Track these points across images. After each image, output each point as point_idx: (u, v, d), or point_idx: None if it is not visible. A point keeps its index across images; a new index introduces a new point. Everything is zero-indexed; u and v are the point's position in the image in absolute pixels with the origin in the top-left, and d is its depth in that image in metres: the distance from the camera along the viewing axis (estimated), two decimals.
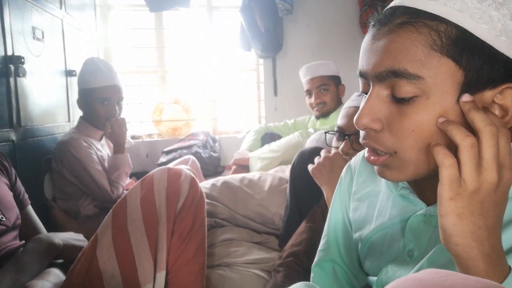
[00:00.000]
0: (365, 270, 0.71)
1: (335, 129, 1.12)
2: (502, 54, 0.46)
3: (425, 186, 0.58)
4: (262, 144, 2.27)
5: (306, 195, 1.33)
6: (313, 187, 1.31)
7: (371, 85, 0.52)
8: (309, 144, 1.65)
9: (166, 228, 0.90)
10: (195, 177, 1.02)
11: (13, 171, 1.05)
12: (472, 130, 0.45)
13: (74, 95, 2.08)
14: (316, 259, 0.80)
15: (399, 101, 0.49)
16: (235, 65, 3.09)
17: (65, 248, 0.94)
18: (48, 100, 1.85)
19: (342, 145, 1.09)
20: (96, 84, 1.79)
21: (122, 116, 1.89)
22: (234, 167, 2.16)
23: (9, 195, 0.96)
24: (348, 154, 1.09)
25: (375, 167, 0.55)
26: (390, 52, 0.48)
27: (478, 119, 0.44)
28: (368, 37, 0.53)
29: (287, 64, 2.93)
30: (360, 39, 2.91)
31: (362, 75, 0.54)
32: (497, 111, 0.48)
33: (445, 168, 0.44)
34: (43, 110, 1.78)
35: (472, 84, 0.47)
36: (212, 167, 2.60)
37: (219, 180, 1.57)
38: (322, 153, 1.05)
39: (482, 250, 0.44)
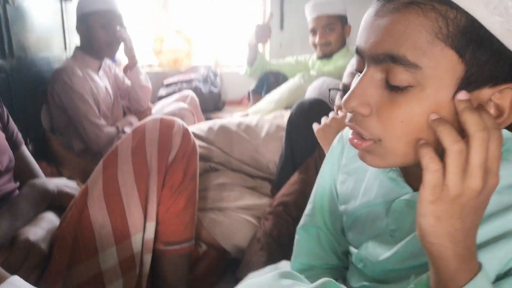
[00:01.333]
0: (347, 240, 0.73)
1: (340, 86, 1.08)
2: (509, 51, 0.42)
3: (413, 171, 0.57)
4: (266, 84, 2.22)
5: (301, 146, 1.33)
6: (308, 139, 1.31)
7: (366, 65, 0.48)
8: (310, 91, 1.61)
9: (156, 180, 0.91)
10: (188, 129, 1.00)
11: (5, 110, 1.03)
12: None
13: (70, 22, 1.99)
14: (301, 222, 0.82)
15: (393, 88, 0.46)
16: None
17: (59, 195, 0.95)
18: (42, 27, 1.77)
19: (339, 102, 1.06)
20: (96, 7, 1.70)
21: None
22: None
23: (1, 137, 0.96)
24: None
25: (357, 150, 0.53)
26: (391, 33, 0.44)
27: (471, 122, 0.41)
28: (370, 11, 0.48)
29: None
30: None
31: (359, 52, 0.49)
32: (492, 110, 0.45)
33: (430, 173, 0.42)
34: (37, 38, 1.71)
35: (472, 80, 0.43)
36: (212, 102, 2.57)
37: (216, 123, 1.56)
38: (331, 114, 1.01)
39: (456, 251, 0.44)
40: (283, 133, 1.45)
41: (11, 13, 1.47)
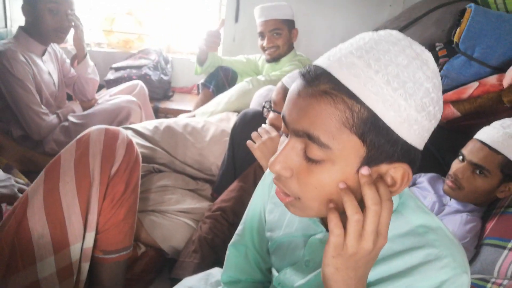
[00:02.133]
0: (271, 262, 0.82)
1: (271, 103, 1.18)
2: (401, 138, 0.52)
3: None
4: (215, 79, 2.25)
5: (242, 155, 1.40)
6: (249, 149, 1.39)
7: (289, 134, 0.57)
8: (256, 98, 1.68)
9: (98, 191, 0.94)
10: (131, 140, 1.03)
11: None
12: None
13: None
14: (232, 240, 0.90)
15: (309, 159, 0.54)
16: None
17: None
18: None
19: (270, 116, 1.17)
20: None
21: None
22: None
23: None
24: (275, 126, 1.17)
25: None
26: (308, 115, 0.52)
27: (368, 196, 0.51)
28: (294, 88, 0.56)
29: None
30: None
31: (284, 121, 0.57)
32: (389, 179, 0.55)
33: (334, 236, 0.52)
34: None
35: (373, 158, 0.53)
36: (161, 90, 2.56)
37: (162, 123, 1.59)
38: (262, 133, 1.09)
39: None
40: (228, 138, 1.52)
41: None
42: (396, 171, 0.55)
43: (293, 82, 1.17)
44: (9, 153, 1.69)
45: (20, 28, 1.72)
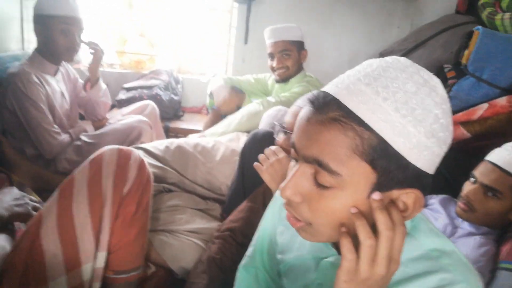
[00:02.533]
0: (282, 284, 0.82)
1: (283, 124, 1.18)
2: (411, 164, 0.52)
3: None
4: None
5: (252, 175, 1.40)
6: None
7: (299, 160, 0.57)
8: (265, 118, 1.70)
9: (110, 211, 0.95)
10: (143, 160, 1.05)
11: None
12: None
13: (29, 19, 1.94)
14: (243, 262, 0.90)
15: (319, 185, 0.55)
16: (209, 3, 2.93)
17: (10, 218, 0.97)
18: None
19: (281, 136, 1.17)
20: (59, 11, 1.67)
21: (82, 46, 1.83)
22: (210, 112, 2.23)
23: None
24: (284, 148, 1.17)
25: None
26: (318, 142, 0.53)
27: (381, 221, 0.51)
28: (303, 115, 0.57)
29: (262, 12, 2.83)
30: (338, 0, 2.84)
31: (294, 147, 0.58)
32: (401, 205, 0.55)
33: (347, 261, 0.52)
34: None
35: (383, 184, 0.53)
36: (172, 110, 2.59)
37: (173, 143, 1.61)
38: (269, 155, 1.10)
39: None
40: (238, 158, 1.53)
41: None
42: (407, 196, 0.55)
43: (301, 101, 1.18)
44: (22, 171, 1.71)
45: (34, 50, 1.78)
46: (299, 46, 2.09)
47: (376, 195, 0.53)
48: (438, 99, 0.52)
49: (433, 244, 0.61)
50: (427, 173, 0.54)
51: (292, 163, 0.60)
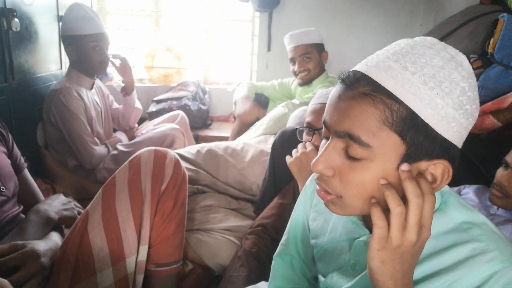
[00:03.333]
0: (317, 269, 0.84)
1: (304, 124, 1.22)
2: (439, 135, 0.54)
3: (369, 217, 0.69)
4: None
5: (282, 172, 1.44)
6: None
7: (330, 136, 0.60)
8: (292, 120, 1.74)
9: (150, 208, 1.01)
10: (179, 159, 1.11)
11: (10, 137, 1.12)
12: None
13: None
14: (277, 250, 0.93)
15: (350, 158, 0.58)
16: (231, 14, 3.03)
17: (59, 220, 1.05)
18: (40, 48, 1.86)
19: (313, 139, 1.20)
20: (89, 30, 1.80)
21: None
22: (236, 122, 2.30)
23: (8, 164, 1.04)
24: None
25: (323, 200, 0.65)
26: (349, 116, 0.56)
27: (409, 189, 0.54)
28: (335, 92, 0.60)
29: (283, 20, 2.89)
30: (359, 1, 2.86)
31: (325, 124, 0.61)
32: (429, 177, 0.57)
33: (378, 228, 0.54)
34: (36, 60, 1.80)
35: (412, 155, 0.55)
36: (200, 119, 2.67)
37: (204, 147, 1.67)
38: (300, 147, 1.14)
39: (395, 286, 0.56)
40: (267, 158, 1.57)
41: (13, 38, 1.56)
42: (436, 167, 0.56)
43: (319, 99, 1.21)
44: (65, 182, 1.82)
45: (70, 66, 1.90)
46: (319, 48, 2.13)
47: (405, 166, 0.55)
48: (465, 73, 0.54)
49: (463, 217, 0.62)
50: (455, 145, 0.56)
51: (323, 141, 0.64)
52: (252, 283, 1.04)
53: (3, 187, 0.97)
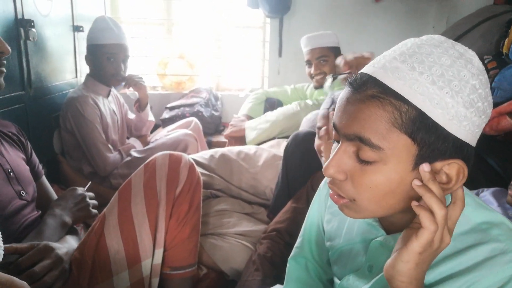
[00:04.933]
0: (332, 272, 0.84)
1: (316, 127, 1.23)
2: (451, 134, 0.54)
3: (384, 217, 0.69)
4: (262, 111, 2.34)
5: (295, 176, 1.44)
6: (302, 170, 1.43)
7: (341, 139, 0.60)
8: (304, 123, 1.73)
9: (165, 211, 1.02)
10: (193, 163, 1.12)
11: (29, 144, 1.15)
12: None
13: (81, 51, 2.12)
14: (292, 253, 0.93)
15: (362, 161, 0.57)
16: (242, 22, 3.05)
17: (74, 222, 1.07)
18: (57, 57, 1.90)
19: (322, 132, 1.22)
20: (105, 40, 1.85)
21: (127, 71, 1.99)
22: (227, 140, 2.23)
23: (27, 169, 1.07)
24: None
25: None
26: (358, 119, 0.56)
27: (434, 193, 0.53)
28: (343, 96, 0.60)
29: (294, 25, 2.90)
30: (370, 5, 2.86)
31: (335, 128, 0.61)
32: (444, 177, 0.56)
33: (429, 232, 0.52)
34: (52, 68, 1.84)
35: (425, 156, 0.54)
36: (213, 125, 2.69)
37: (217, 151, 1.68)
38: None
39: (416, 286, 0.55)
40: (279, 162, 1.57)
41: (31, 48, 1.60)
42: (450, 167, 0.55)
43: (327, 103, 1.24)
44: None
45: (88, 74, 1.94)
46: (336, 51, 2.13)
47: (426, 167, 0.54)
48: (475, 70, 0.54)
49: (481, 217, 0.61)
50: (469, 144, 0.55)
51: (334, 145, 0.63)
52: (267, 287, 1.04)
53: (23, 191, 1.00)
